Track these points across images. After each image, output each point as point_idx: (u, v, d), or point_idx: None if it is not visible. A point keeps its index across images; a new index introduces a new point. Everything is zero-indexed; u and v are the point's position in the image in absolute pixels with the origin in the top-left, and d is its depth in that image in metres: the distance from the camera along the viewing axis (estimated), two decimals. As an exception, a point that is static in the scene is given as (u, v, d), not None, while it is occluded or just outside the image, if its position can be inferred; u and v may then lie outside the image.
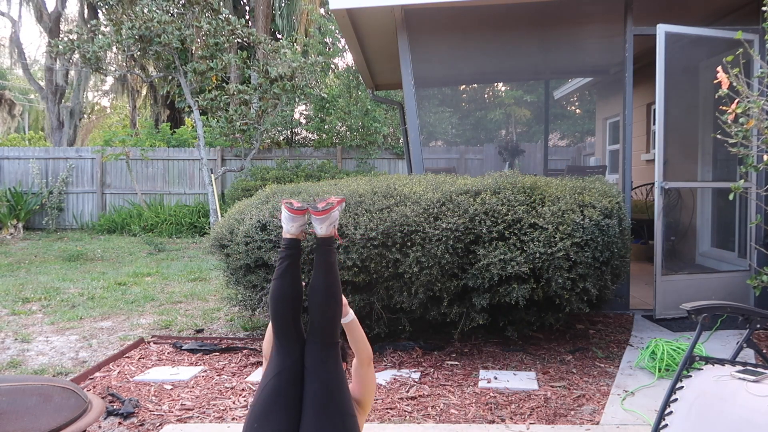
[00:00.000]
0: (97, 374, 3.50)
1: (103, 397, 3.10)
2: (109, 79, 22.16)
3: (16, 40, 19.09)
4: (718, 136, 3.97)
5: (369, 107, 13.28)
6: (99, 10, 17.24)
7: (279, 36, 17.41)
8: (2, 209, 11.85)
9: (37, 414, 2.02)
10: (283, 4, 17.02)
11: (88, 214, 12.83)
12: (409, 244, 3.46)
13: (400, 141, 13.45)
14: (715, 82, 3.46)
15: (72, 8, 28.51)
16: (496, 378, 3.33)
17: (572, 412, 2.88)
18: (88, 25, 11.12)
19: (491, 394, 3.11)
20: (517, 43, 6.78)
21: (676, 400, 1.98)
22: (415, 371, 3.46)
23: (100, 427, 2.76)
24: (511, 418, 2.82)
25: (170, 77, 11.40)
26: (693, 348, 2.06)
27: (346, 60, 16.25)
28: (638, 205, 7.36)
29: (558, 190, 3.77)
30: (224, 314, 4.94)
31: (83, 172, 12.87)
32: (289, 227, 2.13)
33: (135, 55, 10.93)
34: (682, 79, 5.98)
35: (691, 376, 2.02)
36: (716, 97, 3.64)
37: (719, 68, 3.42)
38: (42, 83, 18.48)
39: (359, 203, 3.71)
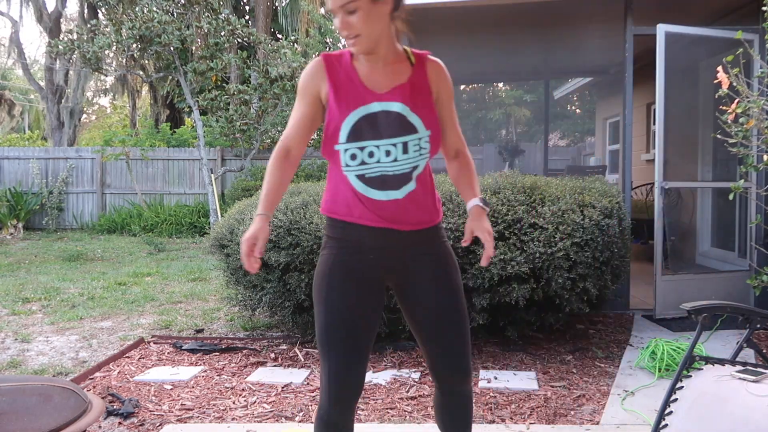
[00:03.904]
0: (97, 374, 3.50)
1: (103, 397, 3.10)
2: (109, 79, 22.16)
3: (16, 40, 19.10)
4: (718, 136, 3.98)
5: (369, 107, 13.27)
6: (99, 10, 17.23)
7: (279, 36, 17.42)
8: (2, 209, 11.85)
9: (37, 414, 2.02)
10: (284, 4, 17.03)
11: (88, 214, 12.83)
12: (409, 244, 3.46)
13: (400, 141, 13.43)
14: (715, 82, 3.46)
15: (72, 8, 28.54)
16: (496, 378, 3.33)
17: (572, 412, 2.88)
18: (88, 25, 11.12)
19: (491, 394, 3.11)
20: (518, 43, 6.79)
21: (676, 400, 1.98)
22: (415, 371, 3.46)
23: (100, 427, 2.76)
24: (511, 418, 2.82)
25: (170, 77, 11.41)
26: (693, 348, 2.06)
27: (346, 60, 16.20)
28: (638, 205, 7.36)
29: (558, 190, 3.77)
30: (224, 314, 4.94)
31: (83, 172, 12.86)
32: None
33: (135, 55, 10.93)
34: (682, 79, 5.98)
35: (691, 376, 2.02)
36: (716, 97, 3.65)
37: (719, 68, 3.42)
38: (42, 83, 18.48)
39: (359, 203, 3.71)
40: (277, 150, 1.75)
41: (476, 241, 3.50)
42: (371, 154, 1.66)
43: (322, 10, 16.27)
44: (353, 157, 1.67)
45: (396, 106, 1.66)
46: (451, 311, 1.75)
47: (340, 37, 1.67)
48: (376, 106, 1.66)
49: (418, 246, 1.75)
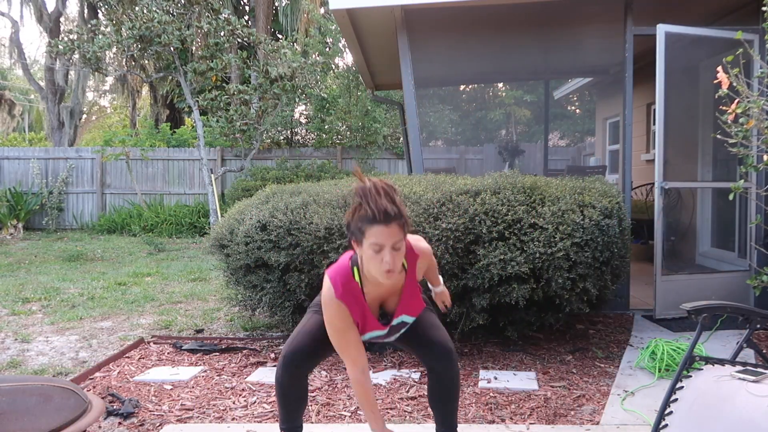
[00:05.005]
0: (97, 374, 3.50)
1: (103, 397, 3.10)
2: (109, 79, 22.17)
3: (16, 40, 19.09)
4: (718, 136, 3.98)
5: (369, 107, 13.28)
6: (99, 10, 17.24)
7: (279, 36, 17.42)
8: (2, 209, 11.85)
9: (37, 414, 2.02)
10: (284, 4, 17.03)
11: (88, 214, 12.83)
12: (409, 244, 3.46)
13: (400, 141, 13.46)
14: (715, 82, 3.46)
15: (72, 8, 28.51)
16: (496, 378, 3.33)
17: (572, 412, 2.88)
18: (88, 25, 11.12)
19: (491, 394, 3.11)
20: (517, 43, 6.78)
21: (676, 400, 1.98)
22: (415, 371, 3.46)
23: (100, 427, 2.76)
24: (511, 418, 2.82)
25: (170, 77, 11.41)
26: (693, 348, 2.06)
27: (346, 60, 16.25)
28: (638, 205, 7.36)
29: (558, 190, 3.77)
30: (224, 314, 4.94)
31: (83, 172, 12.86)
32: None
33: (135, 55, 10.93)
34: (682, 79, 5.98)
35: (691, 376, 2.02)
36: (716, 97, 3.65)
37: (719, 68, 3.42)
38: (42, 83, 18.48)
39: (359, 203, 3.70)
40: (359, 375, 2.11)
41: (475, 241, 3.51)
42: (373, 344, 2.32)
43: (322, 10, 16.27)
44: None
45: (399, 325, 2.20)
46: (431, 333, 2.24)
47: (371, 267, 2.01)
48: (382, 332, 2.20)
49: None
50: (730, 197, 3.82)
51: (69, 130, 17.35)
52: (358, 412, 2.91)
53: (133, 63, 15.17)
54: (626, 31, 4.76)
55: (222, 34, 10.65)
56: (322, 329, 2.14)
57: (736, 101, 3.52)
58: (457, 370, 2.24)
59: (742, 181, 3.67)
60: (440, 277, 2.48)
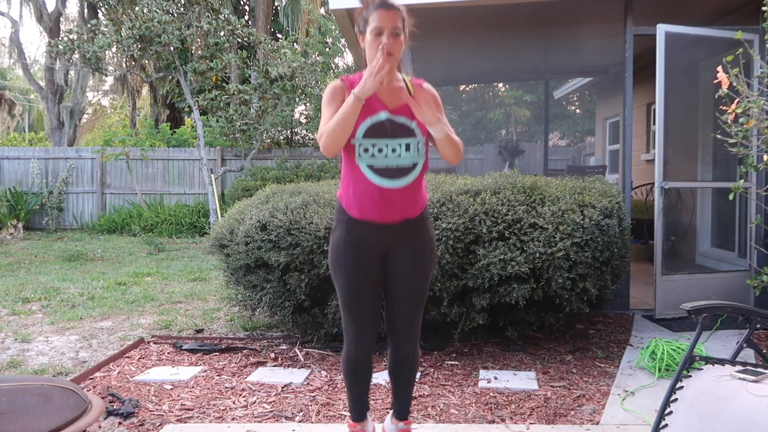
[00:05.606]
0: (97, 374, 3.50)
1: (103, 397, 3.10)
2: (109, 79, 22.16)
3: (16, 40, 19.09)
4: (718, 136, 3.98)
5: (369, 107, 13.25)
6: (99, 10, 17.24)
7: (279, 36, 17.42)
8: (2, 209, 11.85)
9: (37, 414, 2.02)
10: (284, 4, 17.02)
11: (88, 214, 12.83)
12: (409, 244, 3.46)
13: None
14: (715, 82, 3.46)
15: (72, 8, 28.55)
16: (496, 378, 3.33)
17: (572, 412, 2.88)
18: (88, 25, 11.12)
19: (491, 394, 3.12)
20: (517, 43, 6.79)
21: (676, 400, 1.98)
22: (415, 371, 3.46)
23: (100, 427, 2.76)
24: (511, 418, 2.82)
25: (170, 77, 11.39)
26: (693, 348, 2.06)
27: (346, 60, 16.25)
28: (638, 205, 7.36)
29: (558, 190, 3.77)
30: (224, 314, 4.94)
31: (83, 172, 12.86)
32: None
33: (135, 55, 10.93)
34: (682, 79, 5.98)
35: (691, 376, 2.02)
36: (716, 97, 3.65)
37: (719, 68, 3.42)
38: (42, 83, 18.48)
39: (359, 203, 3.70)
40: (319, 139, 2.11)
41: (476, 240, 3.51)
42: (380, 150, 2.09)
43: (323, 10, 16.27)
44: (366, 150, 2.10)
45: (401, 119, 2.13)
46: (415, 296, 2.25)
47: (367, 55, 2.08)
48: (384, 115, 2.11)
49: (405, 233, 2.19)
50: (730, 197, 3.82)
51: (69, 130, 17.34)
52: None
53: (133, 63, 15.16)
54: (626, 31, 4.77)
55: (222, 34, 10.65)
56: (346, 285, 2.20)
57: (736, 101, 3.52)
58: (414, 358, 2.35)
59: (742, 181, 3.67)
60: (444, 127, 2.09)
